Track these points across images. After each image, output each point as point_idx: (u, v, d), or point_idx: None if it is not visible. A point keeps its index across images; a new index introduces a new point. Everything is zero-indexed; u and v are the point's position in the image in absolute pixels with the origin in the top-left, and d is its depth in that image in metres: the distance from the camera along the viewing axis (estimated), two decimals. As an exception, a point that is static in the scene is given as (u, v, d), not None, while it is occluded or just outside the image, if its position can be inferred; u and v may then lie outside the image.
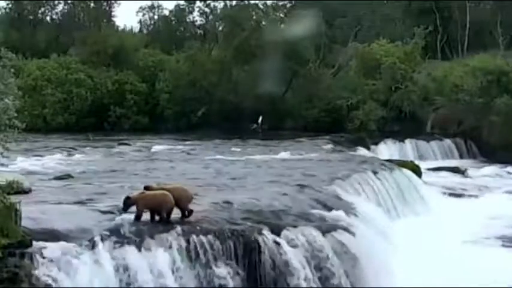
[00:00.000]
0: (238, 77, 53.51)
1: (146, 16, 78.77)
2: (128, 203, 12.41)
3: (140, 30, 77.65)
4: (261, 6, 62.02)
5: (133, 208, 12.57)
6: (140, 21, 79.32)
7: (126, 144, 36.85)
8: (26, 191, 15.40)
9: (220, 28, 65.09)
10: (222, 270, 12.11)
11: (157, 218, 12.44)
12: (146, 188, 12.91)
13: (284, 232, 13.57)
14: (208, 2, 70.91)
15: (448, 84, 45.04)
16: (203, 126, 49.65)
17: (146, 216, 13.09)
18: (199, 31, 74.21)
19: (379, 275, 14.41)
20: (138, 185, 18.14)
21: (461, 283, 14.63)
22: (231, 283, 12.10)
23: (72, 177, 20.25)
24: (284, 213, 15.14)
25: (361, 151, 37.30)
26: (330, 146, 37.18)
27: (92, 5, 73.91)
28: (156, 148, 34.86)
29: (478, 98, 42.35)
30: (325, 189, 19.46)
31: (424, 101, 47.08)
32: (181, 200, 12.65)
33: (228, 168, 24.13)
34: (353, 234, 14.84)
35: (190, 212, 12.80)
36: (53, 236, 11.13)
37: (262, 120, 50.27)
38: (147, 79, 55.09)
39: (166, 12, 77.05)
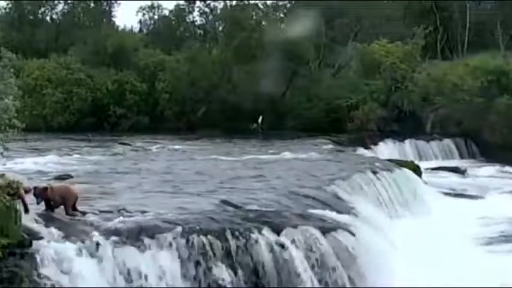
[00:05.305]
0: (238, 77, 53.50)
1: (146, 16, 78.63)
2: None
3: (140, 30, 77.49)
4: (261, 6, 62.20)
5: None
6: (140, 21, 79.22)
7: (126, 144, 36.83)
8: (26, 191, 15.36)
9: (220, 28, 65.13)
10: (222, 270, 12.10)
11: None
12: (35, 187, 12.82)
13: (284, 232, 13.56)
14: (208, 2, 70.91)
15: (448, 84, 44.99)
16: (203, 126, 49.66)
17: (144, 216, 13.10)
18: (199, 31, 74.12)
19: (379, 275, 14.41)
20: (138, 184, 18.20)
21: (460, 283, 14.63)
22: (231, 283, 12.09)
23: (72, 177, 20.23)
24: (284, 213, 15.12)
25: (361, 151, 37.29)
26: (330, 146, 37.19)
27: (92, 5, 73.85)
28: (155, 148, 34.85)
29: (478, 98, 42.33)
30: (325, 189, 19.47)
31: (424, 101, 47.02)
32: (65, 198, 12.81)
33: (227, 168, 24.13)
34: (353, 234, 14.83)
35: (75, 209, 12.83)
36: (53, 236, 11.11)
37: (262, 120, 50.26)
38: (147, 79, 55.06)
39: (166, 12, 76.98)
